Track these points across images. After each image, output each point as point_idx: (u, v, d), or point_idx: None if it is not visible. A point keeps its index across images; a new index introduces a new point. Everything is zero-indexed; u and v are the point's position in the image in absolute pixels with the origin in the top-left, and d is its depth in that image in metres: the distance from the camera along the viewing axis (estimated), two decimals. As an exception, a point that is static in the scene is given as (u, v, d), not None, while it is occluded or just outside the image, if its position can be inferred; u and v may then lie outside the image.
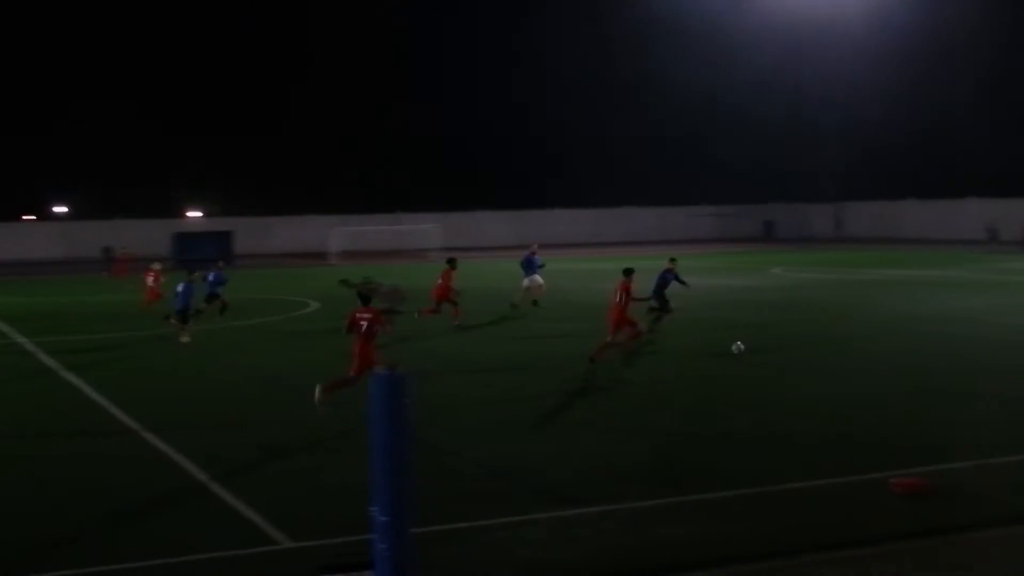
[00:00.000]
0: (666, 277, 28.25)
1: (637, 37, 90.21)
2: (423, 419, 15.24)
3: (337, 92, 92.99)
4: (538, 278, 35.41)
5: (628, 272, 23.95)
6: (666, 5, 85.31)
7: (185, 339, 28.21)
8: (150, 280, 35.57)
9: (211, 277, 33.60)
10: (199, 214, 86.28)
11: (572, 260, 63.45)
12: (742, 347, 23.94)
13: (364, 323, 18.03)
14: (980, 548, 11.17)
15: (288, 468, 14.77)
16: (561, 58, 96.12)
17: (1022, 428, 16.36)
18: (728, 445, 15.67)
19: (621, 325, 23.22)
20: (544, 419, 17.75)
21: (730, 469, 14.15)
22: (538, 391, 20.20)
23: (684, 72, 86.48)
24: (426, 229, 78.70)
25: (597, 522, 11.96)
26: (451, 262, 31.53)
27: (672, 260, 29.28)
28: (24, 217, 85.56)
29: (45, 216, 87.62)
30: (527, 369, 23.07)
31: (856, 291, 41.00)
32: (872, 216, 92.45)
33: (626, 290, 23.32)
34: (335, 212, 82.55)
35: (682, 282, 28.78)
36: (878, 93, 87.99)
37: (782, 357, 24.42)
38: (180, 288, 28.93)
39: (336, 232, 74.91)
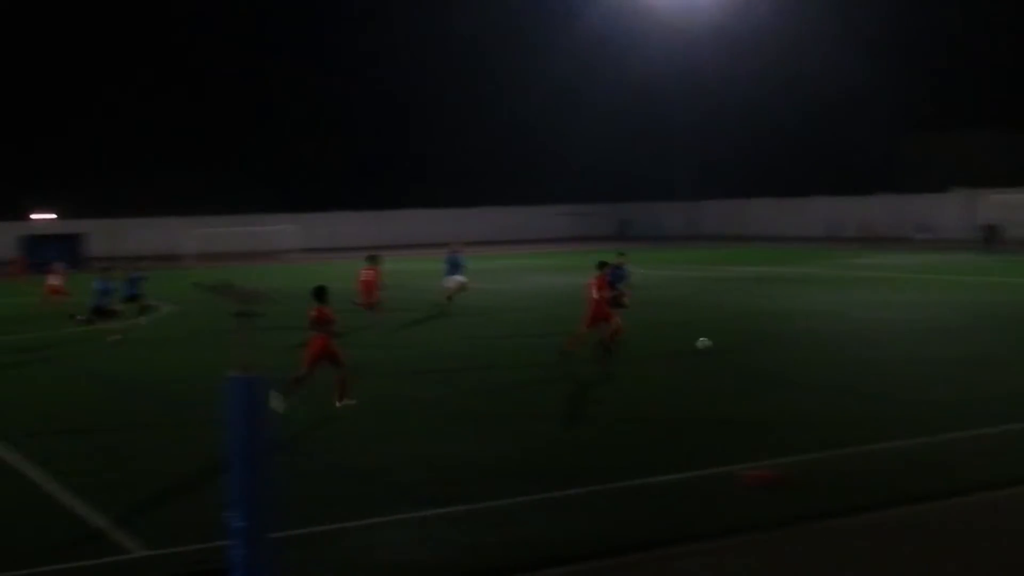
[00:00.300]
0: (616, 273, 27.64)
1: (494, 35, 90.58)
2: (284, 421, 15.10)
3: (194, 97, 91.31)
4: (460, 277, 35.31)
5: (602, 265, 23.93)
6: (522, 2, 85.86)
7: (116, 336, 28.02)
8: (55, 281, 35.31)
9: (132, 277, 32.90)
10: (51, 216, 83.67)
11: (430, 260, 63.25)
12: (708, 343, 23.89)
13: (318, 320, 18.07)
14: (831, 537, 11.45)
15: (139, 474, 14.45)
16: (421, 57, 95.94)
17: (870, 419, 16.84)
18: (586, 442, 15.82)
19: (599, 321, 23.20)
20: (405, 420, 17.69)
21: (588, 465, 14.27)
22: (399, 392, 20.15)
23: (540, 71, 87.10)
24: (283, 230, 77.74)
25: (457, 522, 11.96)
26: (373, 259, 30.85)
27: (620, 254, 28.65)
28: None
29: None
30: (395, 372, 22.96)
31: (710, 288, 41.78)
32: (724, 214, 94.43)
33: (600, 285, 23.32)
34: (191, 214, 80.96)
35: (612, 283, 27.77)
36: (730, 92, 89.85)
37: (639, 354, 24.73)
38: (98, 286, 28.76)
39: (192, 234, 73.53)
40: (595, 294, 23.09)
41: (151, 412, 18.89)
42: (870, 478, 13.38)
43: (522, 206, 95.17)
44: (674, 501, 12.67)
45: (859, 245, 68.98)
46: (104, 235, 76.59)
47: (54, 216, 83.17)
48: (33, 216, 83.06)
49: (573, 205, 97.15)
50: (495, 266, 55.41)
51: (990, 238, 62.17)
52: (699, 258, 61.89)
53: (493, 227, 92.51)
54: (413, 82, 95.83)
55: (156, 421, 17.94)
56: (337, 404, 18.16)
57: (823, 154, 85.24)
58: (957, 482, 13.04)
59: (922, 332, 27.06)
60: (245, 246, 78.22)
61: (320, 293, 18.24)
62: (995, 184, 71.63)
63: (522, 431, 16.65)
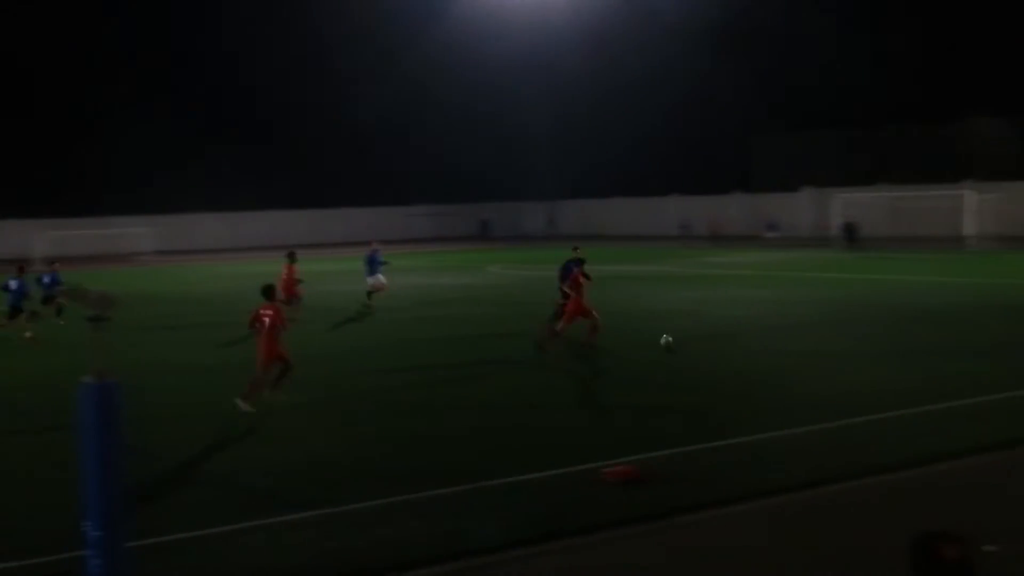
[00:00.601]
0: (570, 267, 27.40)
1: (350, 34, 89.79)
2: (142, 427, 14.76)
3: (41, 93, 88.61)
4: (381, 277, 35.37)
5: (580, 262, 24.79)
6: (379, 2, 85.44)
7: (28, 334, 27.89)
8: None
9: (46, 279, 32.67)
10: None
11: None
12: (670, 339, 23.94)
13: (267, 319, 18.18)
14: (690, 530, 11.67)
15: (-9, 486, 14.03)
16: (279, 55, 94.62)
17: (729, 414, 17.21)
18: (445, 443, 15.82)
19: (576, 316, 23.74)
20: (267, 423, 17.48)
21: (448, 466, 14.29)
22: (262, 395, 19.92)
23: (399, 71, 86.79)
24: (136, 232, 76.05)
25: (318, 525, 11.88)
26: (292, 256, 31.83)
27: (575, 248, 28.54)
28: None
29: None
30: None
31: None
32: (582, 214, 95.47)
33: (579, 281, 23.98)
34: (40, 216, 78.59)
35: (586, 276, 26.41)
36: (588, 92, 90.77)
37: (500, 352, 24.88)
38: (13, 285, 28.53)
39: (41, 237, 71.49)
40: (571, 291, 24.00)
41: (4, 419, 18.33)
42: (729, 472, 13.67)
43: (381, 207, 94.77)
44: (537, 499, 12.77)
45: (709, 244, 70.49)
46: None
47: None
48: None
49: (433, 206, 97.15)
50: (357, 268, 54.92)
51: (850, 236, 63.99)
52: (559, 258, 62.25)
53: (352, 228, 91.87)
54: (269, 81, 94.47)
55: (13, 429, 17.40)
56: (268, 393, 18.40)
57: (680, 154, 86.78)
58: (812, 474, 13.39)
59: (777, 328, 27.70)
60: (97, 248, 76.34)
61: (268, 292, 18.69)
62: (843, 183, 73.82)
63: (386, 432, 16.59)
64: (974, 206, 64.99)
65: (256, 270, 44.83)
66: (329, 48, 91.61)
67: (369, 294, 35.26)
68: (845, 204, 69.81)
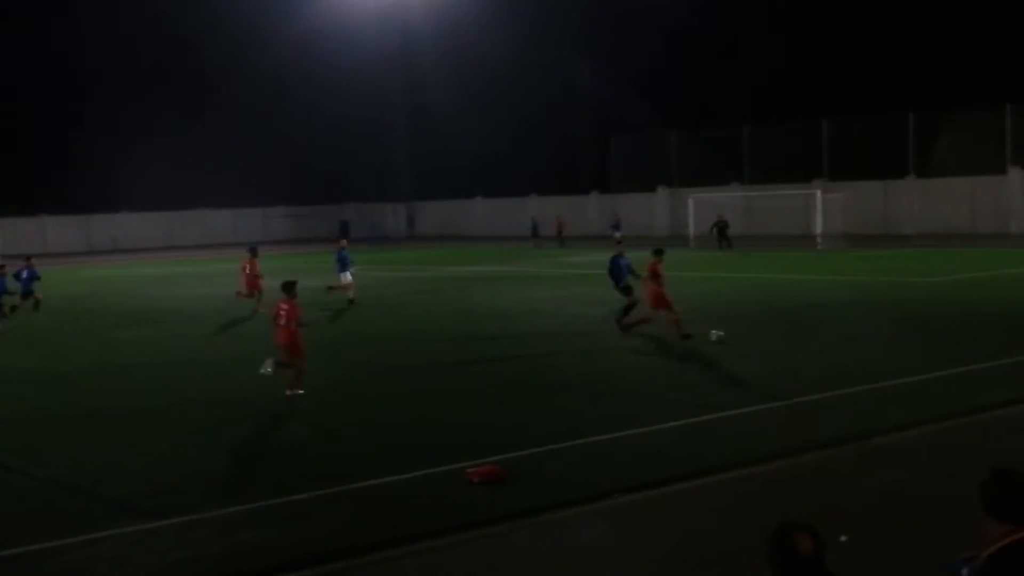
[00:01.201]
0: (618, 262, 27.10)
1: (206, 33, 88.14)
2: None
3: None
4: (349, 275, 35.91)
5: (658, 252, 25.25)
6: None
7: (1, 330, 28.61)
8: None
9: (24, 274, 32.66)
10: None
11: (144, 265, 61.47)
12: (721, 334, 24.11)
13: (283, 313, 19.50)
14: (552, 528, 11.77)
15: None
16: (136, 54, 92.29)
17: (591, 412, 17.40)
18: (305, 449, 15.73)
19: (659, 303, 24.47)
20: (125, 429, 17.16)
21: (310, 470, 14.21)
22: (121, 403, 19.53)
23: (254, 70, 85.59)
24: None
25: (180, 533, 11.70)
26: (254, 252, 34.90)
27: (618, 243, 28.40)
28: None
29: None
30: (116, 379, 22.21)
31: (430, 288, 42.21)
32: (443, 214, 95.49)
33: (657, 271, 24.64)
34: None
35: (636, 274, 26.85)
36: (448, 92, 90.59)
37: (363, 354, 24.82)
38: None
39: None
40: (650, 280, 24.77)
41: None
42: (591, 469, 13.84)
43: (239, 208, 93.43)
44: (400, 501, 12.77)
45: (556, 244, 71.21)
46: None
47: None
48: None
49: (291, 207, 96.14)
50: (211, 270, 54.17)
51: (722, 234, 65.17)
52: (418, 258, 62.38)
53: (209, 230, 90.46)
54: (122, 79, 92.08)
55: None
56: (287, 393, 19.17)
57: (541, 155, 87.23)
58: (674, 469, 13.62)
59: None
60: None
61: (289, 287, 19.85)
62: (700, 183, 75.16)
63: (247, 437, 16.42)
64: (823, 205, 66.90)
65: (109, 274, 43.81)
66: (184, 47, 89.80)
67: (330, 288, 35.94)
68: (699, 204, 71.18)
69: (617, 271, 26.84)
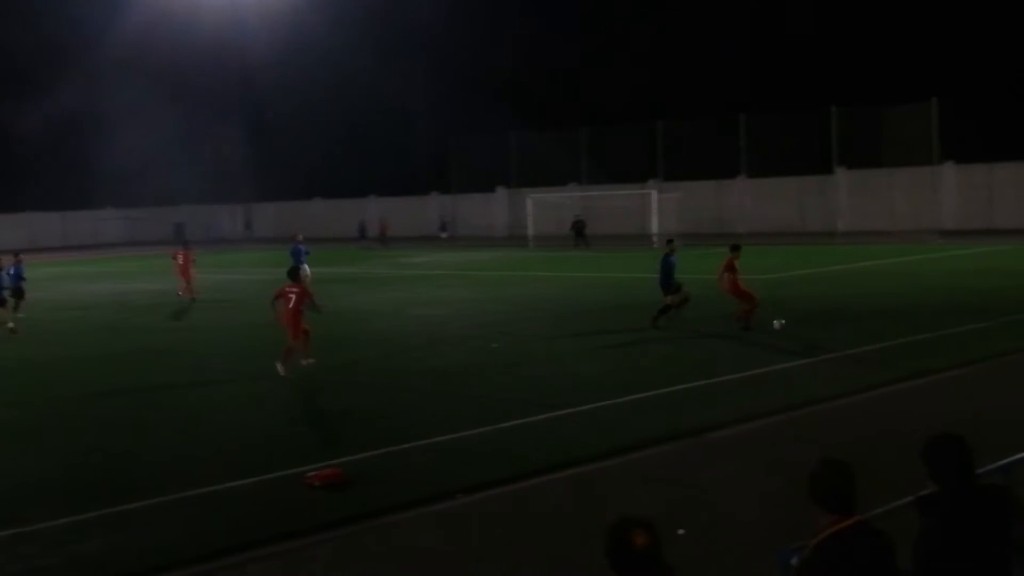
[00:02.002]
0: (669, 260, 26.79)
1: (33, 34, 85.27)
2: None
3: None
4: (306, 267, 34.49)
5: (735, 248, 25.92)
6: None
7: (11, 325, 28.75)
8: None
9: (11, 270, 31.89)
10: None
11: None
12: (783, 322, 24.75)
13: (292, 296, 21.08)
14: (395, 530, 11.77)
15: None
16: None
17: (433, 413, 17.40)
18: (144, 456, 15.38)
19: (738, 294, 25.32)
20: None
21: (141, 478, 13.90)
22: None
23: (85, 69, 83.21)
24: None
25: (9, 546, 11.32)
26: (187, 244, 38.21)
27: (669, 242, 28.12)
28: None
29: None
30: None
31: (268, 291, 41.53)
32: (280, 216, 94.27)
33: (733, 265, 25.19)
34: None
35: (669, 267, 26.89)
36: (285, 92, 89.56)
37: (205, 360, 24.39)
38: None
39: None
40: (722, 275, 25.54)
41: None
42: (433, 471, 13.84)
43: (68, 211, 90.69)
44: (240, 508, 12.59)
45: (379, 245, 71.13)
46: None
47: None
48: None
49: (123, 209, 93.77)
50: (40, 275, 52.46)
51: (579, 233, 65.69)
52: (257, 260, 61.47)
53: (35, 234, 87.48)
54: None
55: None
56: (303, 362, 21.18)
57: (381, 156, 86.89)
58: (517, 468, 13.70)
59: (476, 327, 28.23)
60: None
61: (293, 273, 21.94)
62: (539, 183, 75.81)
63: (75, 446, 15.97)
64: (659, 205, 68.16)
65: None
66: (12, 48, 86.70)
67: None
68: (538, 204, 71.86)
69: (666, 270, 26.79)
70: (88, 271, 58.14)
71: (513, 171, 80.00)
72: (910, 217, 64.45)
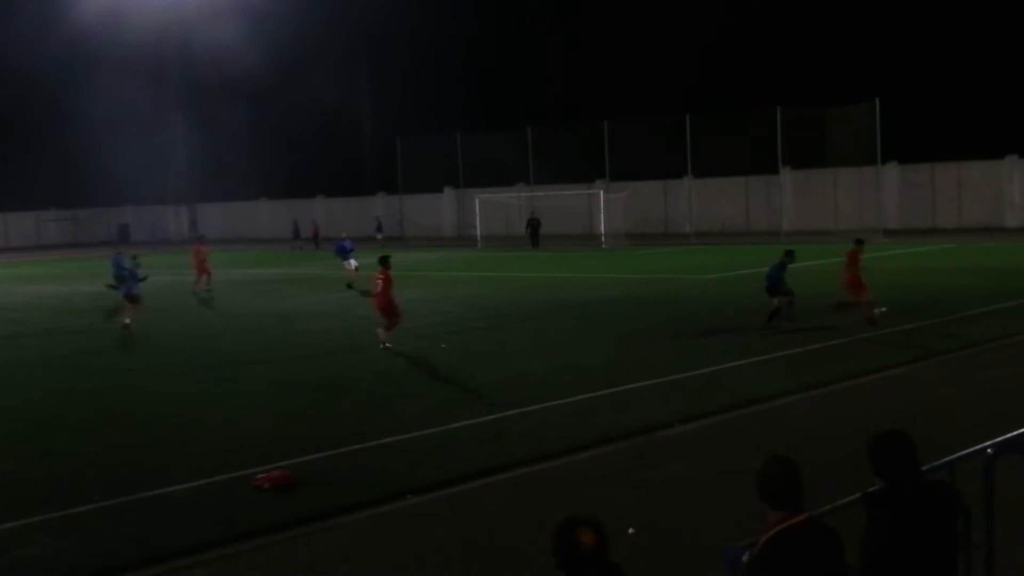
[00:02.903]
0: (783, 267, 26.53)
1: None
2: None
3: None
4: (353, 262, 39.70)
5: (859, 242, 26.92)
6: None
7: (127, 320, 28.78)
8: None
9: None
10: None
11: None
12: (884, 311, 25.49)
13: (380, 282, 24.26)
14: (344, 531, 11.73)
15: None
16: None
17: (380, 415, 17.39)
18: (86, 459, 15.20)
19: (856, 288, 25.86)
20: None
21: (87, 481, 13.75)
22: None
23: (20, 68, 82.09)
24: None
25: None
26: (201, 239, 41.37)
27: (789, 253, 27.50)
28: None
29: None
30: None
31: (219, 292, 41.28)
32: (227, 216, 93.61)
33: (856, 257, 26.04)
34: None
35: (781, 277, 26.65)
36: (231, 94, 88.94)
37: (145, 363, 24.15)
38: (126, 271, 30.23)
39: None
40: (846, 269, 26.22)
41: None
42: (382, 472, 13.80)
43: (9, 212, 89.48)
44: (187, 510, 12.48)
45: (313, 246, 70.78)
46: None
47: None
48: None
49: (66, 210, 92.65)
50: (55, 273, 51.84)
51: (534, 233, 65.67)
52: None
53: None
54: None
55: None
56: (386, 345, 23.87)
57: (329, 156, 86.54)
58: (465, 469, 13.70)
59: (424, 327, 28.15)
60: None
61: (385, 260, 24.64)
62: (487, 184, 75.78)
63: (14, 448, 15.77)
64: (606, 205, 68.39)
65: None
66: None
67: (348, 285, 38.61)
68: (485, 204, 71.87)
69: (778, 275, 26.50)
70: (29, 273, 57.43)
71: (461, 171, 79.86)
72: (854, 216, 65.03)
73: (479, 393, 18.80)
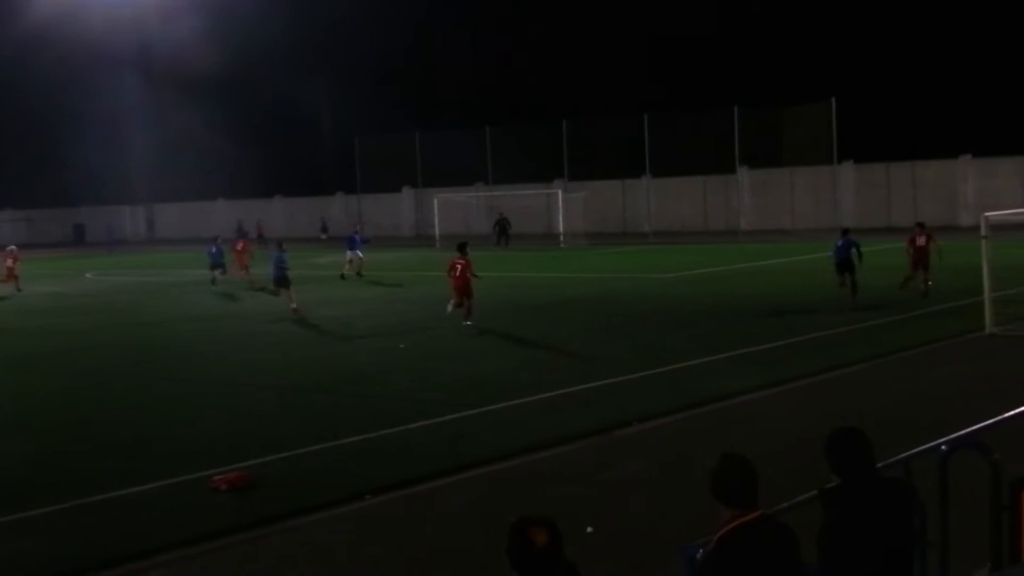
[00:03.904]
0: (848, 244, 28.92)
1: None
2: None
3: None
4: (359, 253, 42.89)
5: (921, 224, 30.42)
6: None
7: (294, 305, 30.56)
8: (9, 263, 40.14)
9: (212, 249, 40.54)
10: None
11: None
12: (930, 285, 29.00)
13: (459, 266, 26.91)
14: (302, 532, 11.69)
15: None
16: None
17: (337, 415, 17.34)
18: (45, 460, 15.08)
19: (920, 266, 29.50)
20: None
21: (42, 483, 13.64)
22: None
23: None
24: None
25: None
26: (245, 234, 42.15)
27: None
28: None
29: None
30: None
31: (172, 293, 41.05)
32: (184, 217, 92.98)
33: (927, 241, 29.44)
34: None
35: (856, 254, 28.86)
36: (188, 94, 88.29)
37: (94, 364, 23.95)
38: (283, 260, 31.31)
39: None
40: (911, 248, 29.74)
41: None
42: (341, 472, 13.78)
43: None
44: (144, 512, 12.39)
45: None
46: None
47: None
48: None
49: (20, 211, 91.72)
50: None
51: (503, 232, 65.58)
52: (158, 262, 60.54)
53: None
54: None
55: None
56: (465, 323, 26.39)
57: (286, 155, 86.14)
58: (425, 469, 13.67)
59: (384, 327, 28.09)
60: None
61: (462, 247, 27.61)
62: (445, 183, 75.72)
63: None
64: (564, 205, 68.49)
65: None
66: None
67: (359, 273, 42.43)
68: (444, 204, 71.81)
69: (843, 251, 28.83)
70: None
71: (419, 171, 79.73)
72: (810, 216, 65.48)
73: (438, 393, 18.78)
